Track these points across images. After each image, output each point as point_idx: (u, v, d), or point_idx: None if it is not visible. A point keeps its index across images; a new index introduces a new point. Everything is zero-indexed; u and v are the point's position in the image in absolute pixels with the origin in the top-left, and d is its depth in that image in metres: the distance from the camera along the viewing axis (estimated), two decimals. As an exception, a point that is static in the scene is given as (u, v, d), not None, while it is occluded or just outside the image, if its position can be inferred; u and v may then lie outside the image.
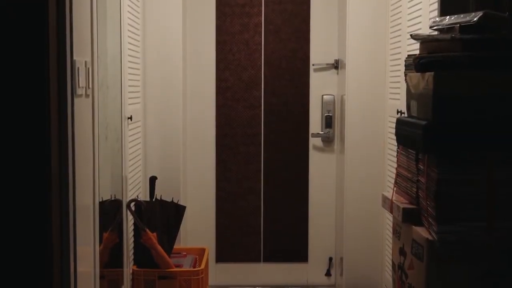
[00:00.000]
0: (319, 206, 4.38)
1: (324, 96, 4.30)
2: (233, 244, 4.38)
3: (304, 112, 4.33)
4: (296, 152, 4.36)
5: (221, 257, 4.36)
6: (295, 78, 4.32)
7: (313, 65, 4.31)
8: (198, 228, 4.27)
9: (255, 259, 4.38)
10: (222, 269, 4.37)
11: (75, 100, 2.01)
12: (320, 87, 4.33)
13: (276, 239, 4.38)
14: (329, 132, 4.30)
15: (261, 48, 4.30)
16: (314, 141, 4.37)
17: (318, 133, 4.32)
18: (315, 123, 4.33)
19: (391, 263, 2.50)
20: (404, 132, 2.25)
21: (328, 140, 4.34)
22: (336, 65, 4.27)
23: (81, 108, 2.10)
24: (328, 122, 4.29)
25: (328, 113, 4.29)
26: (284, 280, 4.40)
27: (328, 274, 4.41)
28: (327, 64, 4.30)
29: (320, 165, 4.38)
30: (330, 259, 4.40)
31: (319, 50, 4.31)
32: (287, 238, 4.39)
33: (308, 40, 4.30)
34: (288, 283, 4.41)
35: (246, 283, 4.39)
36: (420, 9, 3.08)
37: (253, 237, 4.38)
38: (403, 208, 2.24)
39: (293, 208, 4.38)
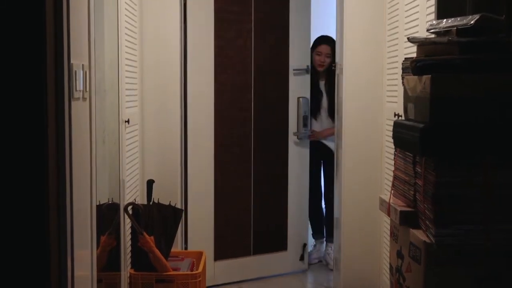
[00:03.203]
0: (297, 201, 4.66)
1: (300, 98, 4.60)
2: (229, 242, 4.41)
3: (286, 113, 4.58)
4: (279, 152, 4.59)
5: (218, 256, 4.37)
6: (278, 81, 4.55)
7: (294, 70, 4.58)
8: (197, 230, 4.25)
9: (246, 253, 4.48)
10: (218, 267, 4.36)
11: (73, 103, 2.01)
12: (298, 90, 4.61)
13: (264, 233, 4.54)
14: (306, 131, 4.66)
15: (251, 54, 4.40)
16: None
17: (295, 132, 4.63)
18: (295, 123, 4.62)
19: (388, 266, 2.50)
20: (402, 135, 2.25)
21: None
22: (308, 70, 4.63)
23: (78, 111, 2.10)
24: (305, 122, 4.63)
25: (305, 113, 4.62)
26: (272, 270, 4.57)
27: (301, 259, 4.70)
28: (298, 69, 4.59)
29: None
30: (304, 245, 4.71)
31: (296, 56, 4.59)
32: (271, 232, 4.59)
33: (287, 46, 4.56)
34: (276, 272, 4.58)
35: (239, 279, 4.44)
36: (417, 12, 3.08)
37: (244, 233, 4.48)
38: (401, 211, 2.24)
39: (276, 204, 4.60)
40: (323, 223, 4.97)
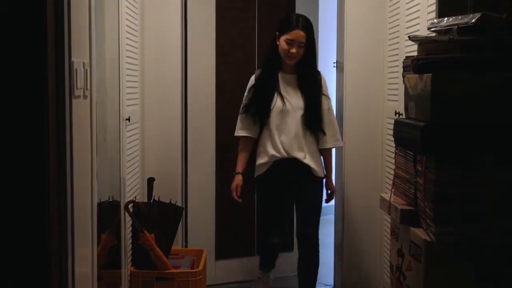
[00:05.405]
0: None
1: None
2: (231, 242, 4.35)
3: None
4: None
5: (219, 255, 4.34)
6: None
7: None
8: (197, 228, 4.25)
9: (250, 253, 4.37)
10: (219, 266, 4.34)
11: (73, 101, 2.01)
12: None
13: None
14: None
15: (255, 52, 4.32)
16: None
17: None
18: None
19: (389, 264, 2.50)
20: (402, 133, 2.25)
21: None
22: None
23: (79, 109, 2.10)
24: None
25: None
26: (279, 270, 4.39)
27: None
28: None
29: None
30: None
31: None
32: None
33: None
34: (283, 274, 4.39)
35: (241, 279, 4.38)
36: (418, 10, 3.08)
37: (246, 232, 4.37)
38: (401, 210, 2.24)
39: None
40: (274, 257, 3.89)
